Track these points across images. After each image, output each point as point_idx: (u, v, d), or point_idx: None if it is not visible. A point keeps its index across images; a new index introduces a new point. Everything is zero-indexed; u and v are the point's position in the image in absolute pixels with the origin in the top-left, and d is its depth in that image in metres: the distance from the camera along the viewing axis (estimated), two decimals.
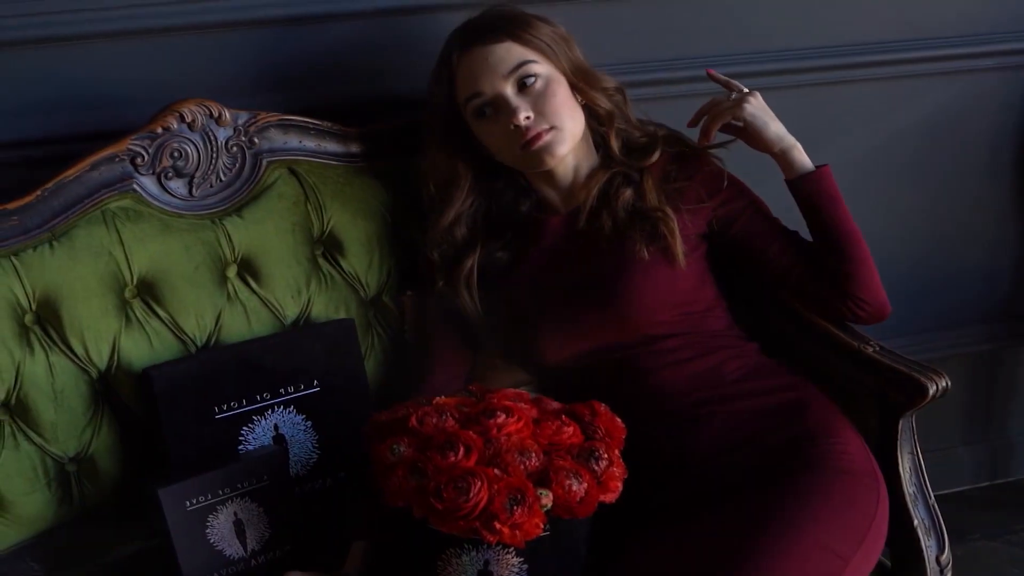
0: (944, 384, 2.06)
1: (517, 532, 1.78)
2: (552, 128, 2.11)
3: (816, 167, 2.18)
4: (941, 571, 2.13)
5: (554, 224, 2.21)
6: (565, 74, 2.15)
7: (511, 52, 2.11)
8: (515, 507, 1.77)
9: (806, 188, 2.17)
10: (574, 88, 2.16)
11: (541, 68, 2.12)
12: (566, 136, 2.13)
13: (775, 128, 2.17)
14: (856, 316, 2.17)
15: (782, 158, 2.18)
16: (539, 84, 2.11)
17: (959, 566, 2.21)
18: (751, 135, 2.18)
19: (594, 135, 2.22)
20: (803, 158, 2.18)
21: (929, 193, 2.99)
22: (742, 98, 2.18)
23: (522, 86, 2.11)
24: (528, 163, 2.15)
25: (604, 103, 2.20)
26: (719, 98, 2.21)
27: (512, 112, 2.09)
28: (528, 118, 2.09)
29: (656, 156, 2.20)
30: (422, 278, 2.26)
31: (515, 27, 2.13)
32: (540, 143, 2.11)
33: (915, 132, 2.92)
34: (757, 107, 2.17)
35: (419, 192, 2.25)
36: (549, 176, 2.20)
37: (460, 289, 2.19)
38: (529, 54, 2.12)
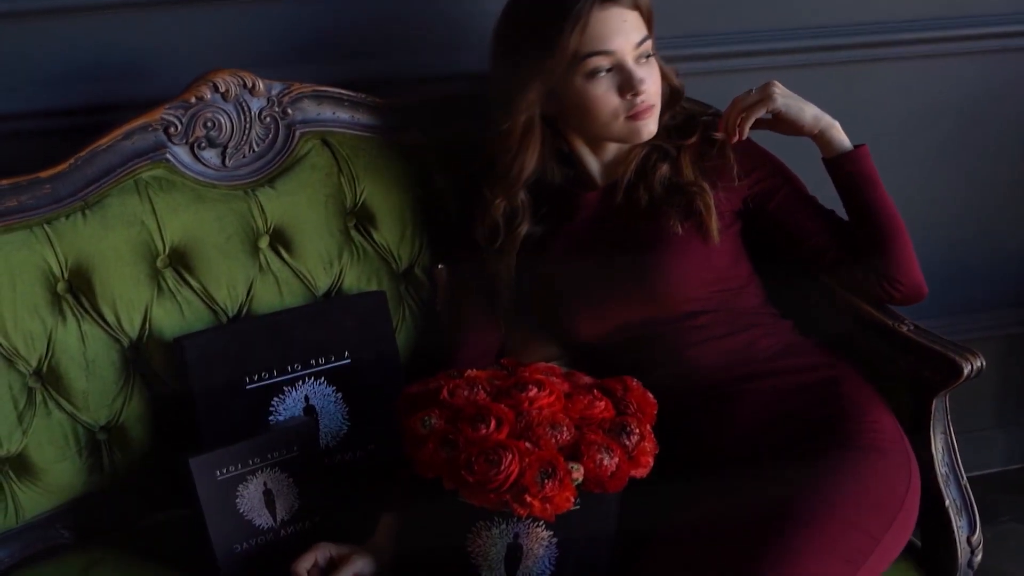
0: (979, 364, 2.04)
1: (548, 506, 1.77)
2: (652, 106, 2.11)
3: (854, 147, 2.16)
4: (972, 552, 2.12)
5: (590, 199, 2.20)
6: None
7: (640, 23, 2.10)
8: (546, 480, 1.77)
9: (844, 168, 2.15)
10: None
11: (652, 46, 2.12)
12: (657, 114, 2.13)
13: (810, 111, 2.15)
14: (891, 297, 2.16)
15: (821, 138, 2.16)
16: (652, 61, 2.11)
17: (989, 548, 2.20)
18: (787, 123, 2.15)
19: None
20: (842, 137, 2.16)
21: (965, 174, 2.97)
22: (768, 91, 2.15)
23: (639, 59, 2.09)
24: (625, 134, 2.13)
25: (675, 84, 2.20)
26: (740, 97, 2.18)
27: (636, 83, 2.07)
28: (645, 92, 2.08)
29: (696, 137, 2.19)
30: (463, 244, 2.25)
31: None
32: (645, 118, 2.10)
33: (951, 112, 2.90)
34: (785, 94, 2.15)
35: (492, 143, 2.17)
36: (601, 147, 2.19)
37: (508, 254, 2.19)
38: (646, 29, 2.11)
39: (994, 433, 3.27)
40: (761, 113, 2.15)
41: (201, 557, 2.03)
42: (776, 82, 2.16)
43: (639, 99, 2.08)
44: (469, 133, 2.28)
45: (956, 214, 2.98)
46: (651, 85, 2.09)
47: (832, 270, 2.20)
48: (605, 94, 2.08)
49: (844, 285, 2.21)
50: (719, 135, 2.19)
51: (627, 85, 2.07)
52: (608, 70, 2.07)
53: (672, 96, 2.20)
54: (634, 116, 2.09)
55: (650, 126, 2.12)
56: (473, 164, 2.23)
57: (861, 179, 2.14)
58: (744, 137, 2.17)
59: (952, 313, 2.95)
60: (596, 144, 2.19)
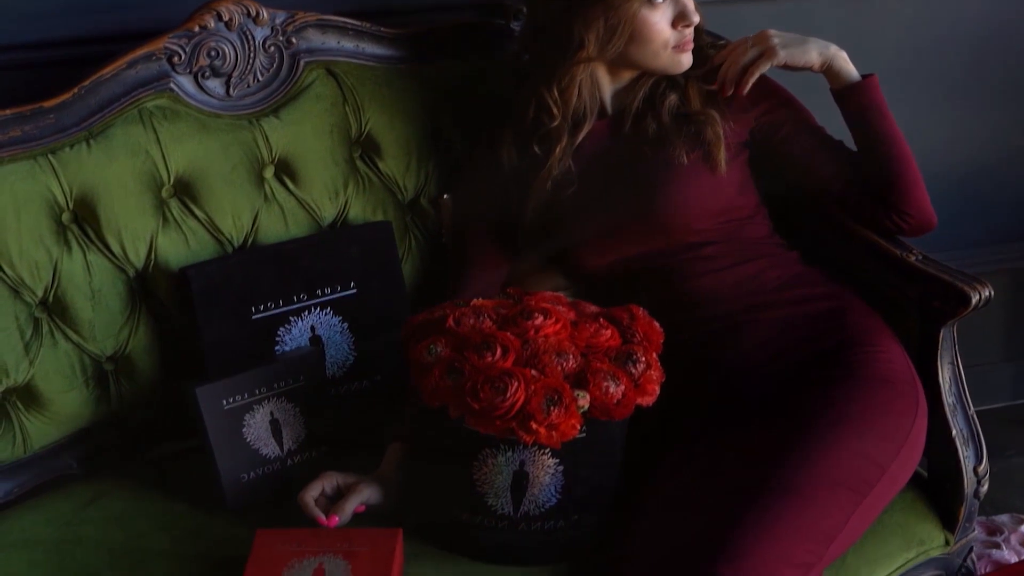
0: (987, 293, 2.03)
1: (553, 433, 1.77)
2: (692, 38, 2.12)
3: (863, 77, 2.14)
4: (978, 482, 2.12)
5: (598, 127, 2.18)
6: None
7: None
8: (552, 408, 1.77)
9: (853, 99, 2.13)
10: None
11: None
12: None
13: (814, 49, 2.13)
14: (900, 228, 2.15)
15: (829, 72, 2.15)
16: None
17: (995, 482, 2.20)
18: (793, 67, 2.14)
19: None
20: (849, 67, 2.14)
21: (975, 106, 2.95)
22: (767, 44, 2.13)
23: None
24: (668, 65, 2.12)
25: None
26: (738, 50, 2.15)
27: (690, 14, 2.08)
28: (695, 23, 2.09)
29: (704, 68, 2.18)
30: (481, 173, 2.23)
31: None
32: (688, 49, 2.11)
33: (961, 42, 2.88)
34: (785, 43, 2.12)
35: (556, 74, 2.12)
36: (618, 75, 2.17)
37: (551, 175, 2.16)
38: None
39: (1002, 367, 3.27)
40: (765, 70, 2.13)
41: (208, 487, 2.04)
42: (771, 31, 2.14)
43: (688, 31, 2.09)
44: (475, 62, 2.29)
45: (966, 147, 2.96)
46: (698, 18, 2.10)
47: (840, 201, 2.19)
48: (659, 22, 2.07)
49: (852, 216, 2.20)
50: (714, 87, 2.17)
51: (682, 16, 2.07)
52: None
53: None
54: (680, 47, 2.10)
55: (690, 58, 2.13)
56: (517, 91, 2.19)
57: (870, 110, 2.13)
58: (745, 92, 2.15)
59: (961, 246, 2.93)
60: (615, 72, 2.17)
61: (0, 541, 1.99)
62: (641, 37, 2.07)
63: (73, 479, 2.14)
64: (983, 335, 3.10)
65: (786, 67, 2.13)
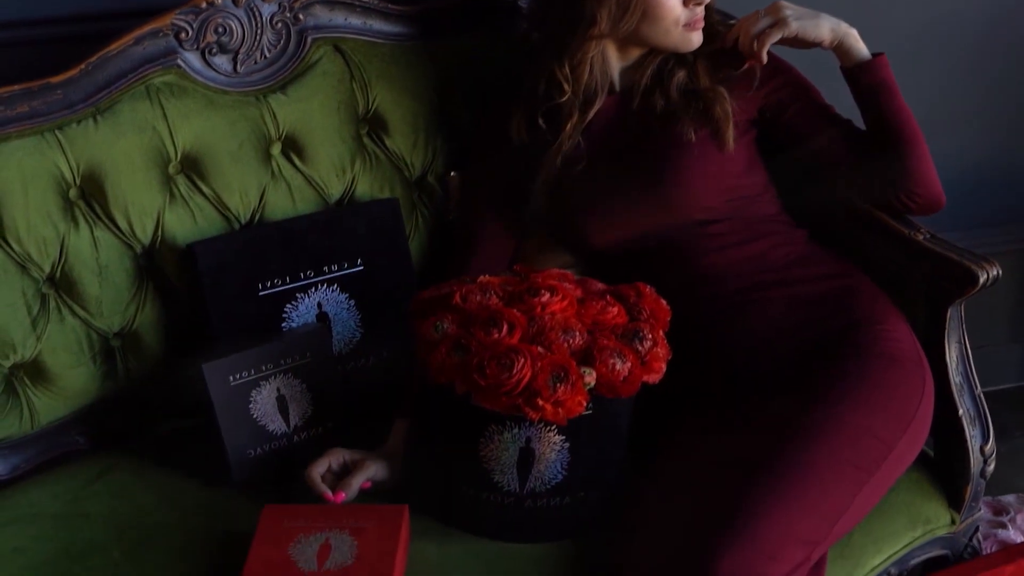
0: (995, 272, 2.03)
1: (560, 409, 1.77)
2: (702, 17, 2.11)
3: (873, 55, 2.13)
4: (985, 461, 2.12)
5: (607, 104, 2.18)
6: None
7: None
8: (558, 384, 1.77)
9: (863, 77, 2.12)
10: None
11: None
12: None
13: (826, 24, 2.12)
14: (908, 208, 2.14)
15: (839, 49, 2.14)
16: None
17: (1000, 462, 2.21)
18: (804, 40, 2.13)
19: None
20: (859, 45, 2.13)
21: (985, 86, 2.94)
22: (779, 14, 2.12)
23: None
24: (678, 43, 2.11)
25: None
26: (749, 20, 2.15)
27: None
28: (706, 1, 2.09)
29: (716, 45, 2.17)
30: (491, 149, 2.23)
31: None
32: (699, 28, 2.11)
33: (971, 21, 2.86)
34: (798, 15, 2.12)
35: (568, 50, 2.11)
36: (628, 52, 2.16)
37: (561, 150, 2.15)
38: None
39: (1009, 349, 3.26)
40: (776, 39, 2.12)
41: (214, 463, 2.04)
42: (783, 3, 2.13)
43: (699, 9, 2.08)
44: (483, 39, 2.31)
45: (975, 126, 2.95)
46: None
47: (849, 180, 2.18)
48: (671, 0, 2.06)
49: (861, 195, 2.19)
50: (751, 64, 2.16)
51: None
52: None
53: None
54: (690, 25, 2.09)
55: (700, 36, 2.12)
56: (528, 65, 2.18)
57: (880, 88, 2.12)
58: (763, 62, 2.14)
59: (968, 227, 2.92)
60: (624, 49, 2.16)
61: (7, 515, 1.99)
62: (653, 15, 2.07)
63: (80, 454, 2.15)
64: (991, 316, 3.10)
65: (796, 40, 2.12)
